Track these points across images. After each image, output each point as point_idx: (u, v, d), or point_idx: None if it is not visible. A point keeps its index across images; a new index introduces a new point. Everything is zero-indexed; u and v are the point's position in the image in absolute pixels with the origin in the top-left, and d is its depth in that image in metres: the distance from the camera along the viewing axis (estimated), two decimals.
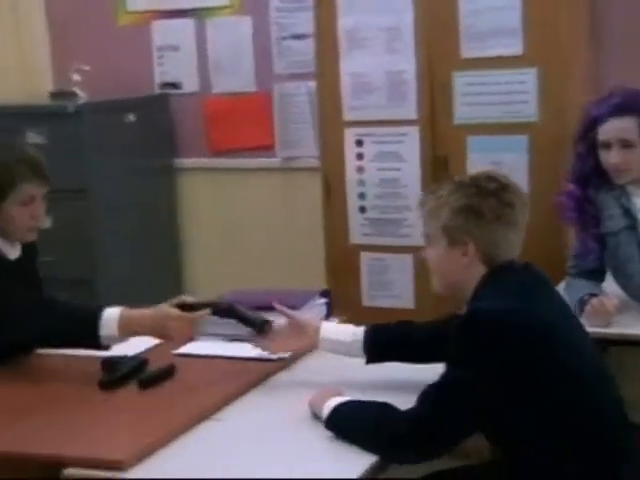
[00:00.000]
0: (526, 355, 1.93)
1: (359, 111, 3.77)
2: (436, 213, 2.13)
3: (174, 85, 4.55)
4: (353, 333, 2.36)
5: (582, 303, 2.79)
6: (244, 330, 2.56)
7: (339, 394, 2.14)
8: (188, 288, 4.68)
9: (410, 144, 3.70)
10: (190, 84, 4.52)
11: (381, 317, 2.79)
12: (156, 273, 4.44)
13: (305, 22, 4.19)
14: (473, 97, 3.56)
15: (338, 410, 2.05)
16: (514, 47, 3.47)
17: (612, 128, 2.80)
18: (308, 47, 4.21)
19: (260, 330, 2.43)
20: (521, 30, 3.45)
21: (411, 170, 3.72)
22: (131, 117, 4.22)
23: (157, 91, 4.55)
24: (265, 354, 2.52)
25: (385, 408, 2.02)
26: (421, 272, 3.79)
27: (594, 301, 2.72)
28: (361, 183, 3.84)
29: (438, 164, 3.66)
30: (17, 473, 1.95)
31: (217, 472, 1.88)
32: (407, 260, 3.79)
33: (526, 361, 1.93)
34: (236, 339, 2.63)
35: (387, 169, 3.78)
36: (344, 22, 3.72)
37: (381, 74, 3.70)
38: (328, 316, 2.82)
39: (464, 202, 2.08)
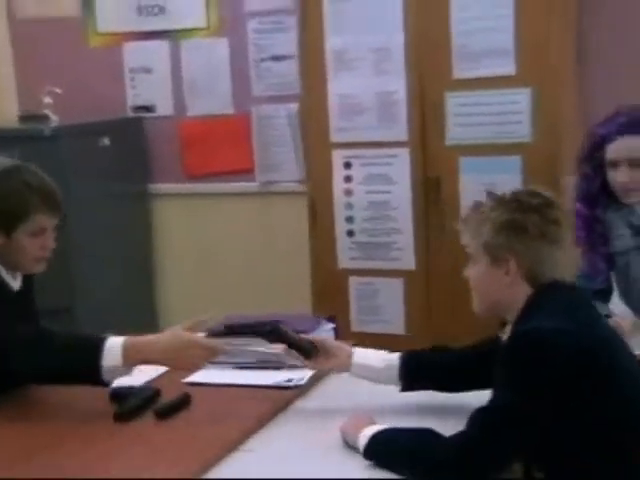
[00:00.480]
0: (576, 375, 1.88)
1: (347, 133, 3.73)
2: (478, 230, 2.06)
3: (147, 108, 4.46)
4: (386, 359, 2.28)
5: None
6: (263, 355, 2.50)
7: (372, 422, 2.07)
8: (163, 316, 4.59)
9: (400, 166, 3.67)
10: (164, 107, 4.44)
11: (371, 343, 2.75)
12: (131, 300, 4.33)
13: (285, 43, 4.17)
14: (465, 117, 3.56)
15: (377, 438, 1.97)
16: (507, 67, 3.47)
17: (620, 147, 2.79)
18: (288, 69, 4.19)
19: (309, 356, 2.32)
20: (513, 50, 3.45)
21: (401, 192, 3.69)
22: (105, 141, 4.11)
23: (130, 114, 4.46)
24: (280, 381, 2.45)
25: (427, 434, 1.95)
26: (411, 297, 3.77)
27: (610, 322, 2.70)
28: (349, 206, 3.79)
29: (430, 186, 3.64)
30: None
31: None
32: (397, 284, 3.75)
33: (576, 381, 1.88)
34: (249, 366, 2.57)
35: (376, 192, 3.74)
36: (332, 43, 3.69)
37: (370, 95, 3.67)
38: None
39: (506, 217, 2.02)
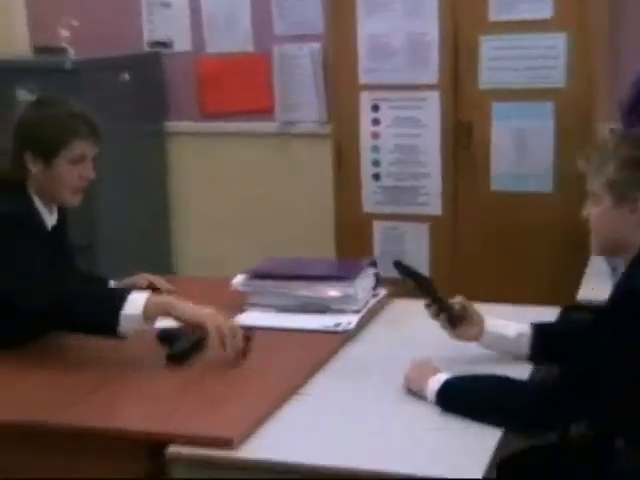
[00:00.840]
0: None
1: (376, 74, 3.67)
2: (601, 168, 1.99)
3: (164, 44, 4.37)
4: (517, 328, 2.23)
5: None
6: (306, 299, 2.49)
7: (437, 370, 2.05)
8: (177, 255, 4.55)
9: (430, 109, 3.62)
10: (182, 43, 4.34)
11: (394, 289, 2.75)
12: (147, 238, 4.29)
13: None
14: (499, 62, 3.50)
15: (450, 385, 1.97)
16: (543, 11, 3.41)
17: None
18: (312, 8, 4.11)
19: (456, 323, 2.24)
20: None
21: (431, 137, 3.64)
22: (125, 76, 4.03)
23: (145, 50, 4.37)
24: (329, 325, 2.43)
25: (505, 381, 1.95)
26: (437, 242, 3.76)
27: None
28: (376, 149, 3.74)
29: (460, 130, 3.59)
30: (113, 451, 1.83)
31: (331, 447, 1.80)
32: (423, 229, 3.73)
33: None
34: (292, 310, 2.55)
35: (405, 135, 3.69)
36: None
37: (401, 36, 3.60)
38: (376, 287, 2.74)
39: (634, 154, 1.97)
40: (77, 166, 2.48)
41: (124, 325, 2.18)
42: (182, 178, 4.46)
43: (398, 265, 2.29)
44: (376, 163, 3.75)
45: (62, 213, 2.63)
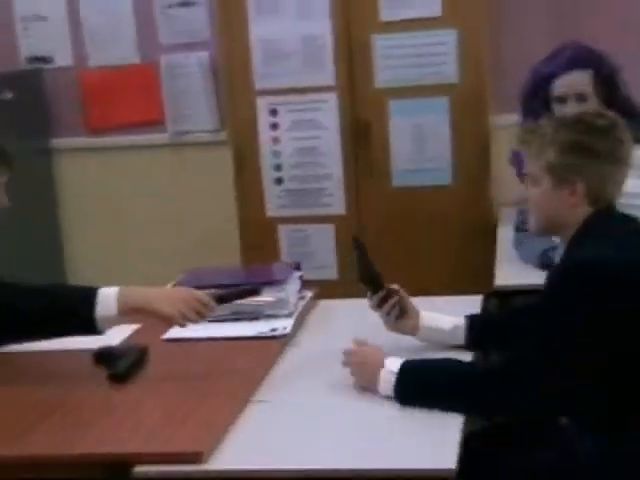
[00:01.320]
0: (630, 307, 1.90)
1: (272, 79, 3.68)
2: (541, 152, 2.04)
3: (44, 59, 4.24)
4: (453, 321, 2.28)
5: (544, 256, 2.87)
6: (237, 307, 2.47)
7: (383, 355, 2.05)
8: (71, 278, 4.42)
9: (328, 111, 3.65)
10: (63, 57, 4.23)
11: (317, 291, 2.77)
12: (39, 262, 4.13)
13: None
14: (393, 60, 3.57)
15: (407, 373, 1.97)
16: (433, 8, 3.51)
17: (567, 82, 2.90)
18: (198, 15, 4.08)
19: (377, 289, 2.29)
20: None
21: (330, 138, 3.68)
22: (8, 94, 3.89)
23: (25, 65, 4.23)
24: (266, 331, 2.42)
25: (461, 364, 1.99)
26: (343, 241, 3.79)
27: None
28: (276, 154, 3.75)
29: (359, 130, 3.64)
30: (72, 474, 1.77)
31: (300, 451, 1.79)
32: (329, 230, 3.76)
33: (627, 313, 1.90)
34: (223, 319, 2.52)
35: (304, 138, 3.71)
36: None
37: (294, 39, 3.62)
38: (301, 290, 2.74)
39: (573, 139, 2.02)
40: None
41: (100, 325, 2.13)
42: (72, 195, 4.34)
43: (357, 242, 2.32)
44: (277, 167, 3.76)
45: None
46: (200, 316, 2.19)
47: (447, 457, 1.73)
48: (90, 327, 2.15)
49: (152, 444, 1.80)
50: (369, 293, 2.31)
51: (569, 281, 1.93)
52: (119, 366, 2.18)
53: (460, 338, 2.29)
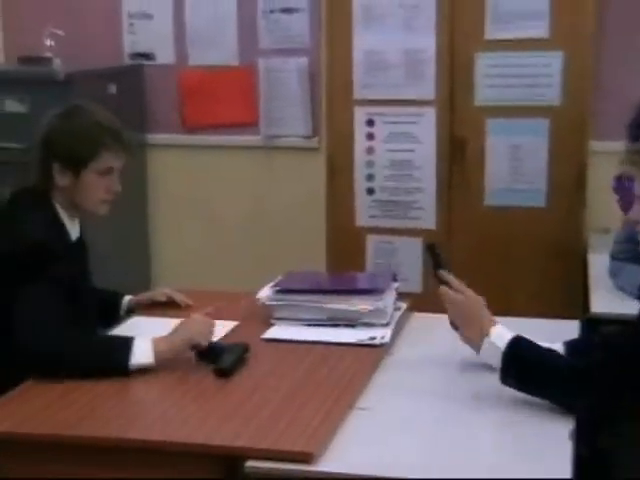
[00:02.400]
0: None
1: (371, 89, 3.72)
2: None
3: (147, 56, 4.33)
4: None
5: None
6: (335, 313, 2.51)
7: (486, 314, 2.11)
8: (156, 268, 4.49)
9: (426, 125, 3.68)
10: (165, 55, 4.30)
11: (412, 302, 2.78)
12: (126, 250, 4.21)
13: None
14: (495, 79, 3.59)
15: (512, 358, 2.01)
16: (540, 30, 3.52)
17: None
18: (298, 22, 4.13)
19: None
20: (548, 13, 3.50)
21: (426, 152, 3.70)
22: (113, 88, 3.98)
23: (128, 61, 4.32)
24: (364, 339, 2.44)
25: (566, 361, 2.04)
26: None
27: None
28: (370, 164, 3.79)
29: (455, 146, 3.66)
30: (192, 465, 1.82)
31: (405, 460, 1.80)
32: (416, 243, 3.77)
33: None
34: (319, 324, 2.55)
35: (399, 150, 3.74)
36: None
37: (398, 52, 3.66)
38: (396, 301, 2.75)
39: None
40: (104, 178, 2.47)
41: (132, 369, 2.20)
42: (162, 190, 4.41)
43: (431, 249, 2.33)
44: (370, 178, 3.79)
45: (81, 225, 2.61)
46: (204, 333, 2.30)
47: (558, 467, 1.74)
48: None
49: (264, 440, 1.83)
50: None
51: None
52: (224, 361, 2.22)
53: None
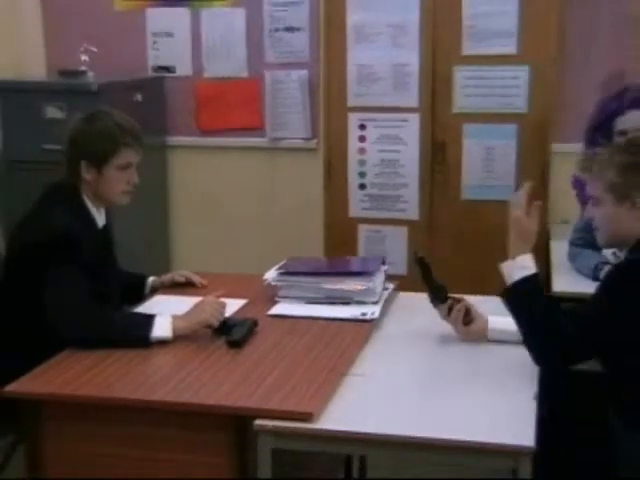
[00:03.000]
0: None
1: (363, 98, 3.71)
2: (601, 174, 2.08)
3: (167, 69, 4.32)
4: None
5: (597, 269, 2.86)
6: (332, 292, 2.52)
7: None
8: (176, 257, 4.50)
9: (411, 129, 3.68)
10: (183, 68, 4.29)
11: (398, 283, 2.79)
12: (150, 241, 4.22)
13: (297, 16, 4.09)
14: (471, 89, 3.59)
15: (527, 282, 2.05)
16: (510, 47, 3.52)
17: (629, 119, 2.89)
18: (299, 39, 4.12)
19: (442, 299, 2.33)
20: (517, 33, 3.50)
21: (410, 152, 3.70)
22: (138, 97, 3.98)
23: (151, 73, 4.32)
24: (357, 314, 2.46)
25: (554, 308, 2.04)
26: (414, 243, 3.81)
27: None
28: (362, 163, 3.79)
29: (436, 148, 3.67)
30: (206, 424, 1.84)
31: (395, 418, 1.83)
32: (402, 232, 3.79)
33: None
34: (319, 302, 2.57)
35: (388, 151, 3.74)
36: (352, 18, 3.65)
37: (386, 66, 3.65)
38: (385, 282, 2.76)
39: (630, 160, 2.05)
40: (124, 172, 2.50)
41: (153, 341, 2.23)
42: (181, 186, 4.41)
43: (421, 261, 2.33)
44: (362, 175, 3.79)
45: (108, 214, 2.63)
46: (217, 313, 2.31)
47: (526, 435, 1.76)
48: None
49: (270, 402, 1.86)
50: (437, 304, 2.33)
51: (620, 275, 1.97)
52: (236, 334, 2.24)
53: None
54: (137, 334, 2.22)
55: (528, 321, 2.04)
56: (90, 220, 2.50)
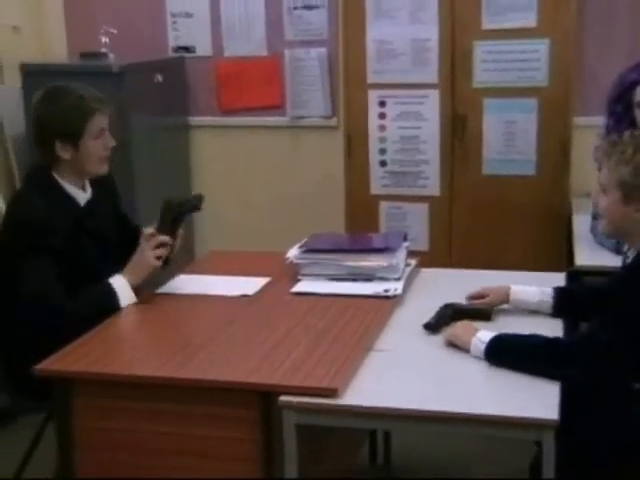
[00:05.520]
0: None
1: (383, 75, 3.68)
2: (617, 167, 2.02)
3: (187, 49, 4.31)
4: (538, 294, 2.29)
5: (619, 243, 2.82)
6: (354, 269, 2.52)
7: (477, 329, 2.07)
8: (198, 235, 4.51)
9: (431, 105, 3.64)
10: (203, 48, 4.27)
11: (420, 259, 2.78)
12: None
13: None
14: (491, 64, 3.54)
15: (499, 339, 2.00)
16: (529, 20, 3.46)
17: None
18: (318, 17, 4.09)
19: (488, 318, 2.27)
20: (536, 5, 3.44)
21: (430, 128, 3.67)
22: (159, 77, 3.97)
23: (172, 54, 4.30)
24: (380, 291, 2.45)
25: (544, 337, 1.99)
26: (435, 219, 3.79)
27: None
28: (382, 140, 3.76)
29: (456, 123, 3.62)
30: (233, 399, 1.85)
31: (419, 393, 1.82)
32: (424, 208, 3.76)
33: None
34: (341, 278, 2.56)
35: (408, 127, 3.71)
36: None
37: (405, 41, 3.61)
38: (407, 258, 2.75)
39: None
40: (99, 139, 2.48)
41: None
42: (203, 164, 4.41)
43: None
44: (382, 152, 3.77)
45: (104, 187, 2.60)
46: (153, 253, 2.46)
47: (550, 408, 1.75)
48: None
49: (295, 378, 1.86)
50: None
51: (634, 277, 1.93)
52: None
53: (546, 308, 2.29)
54: (108, 310, 2.33)
55: (536, 358, 1.94)
56: (69, 200, 2.46)
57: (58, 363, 2.02)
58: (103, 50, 3.97)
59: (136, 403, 1.95)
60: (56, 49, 4.37)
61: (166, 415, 1.92)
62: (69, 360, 2.03)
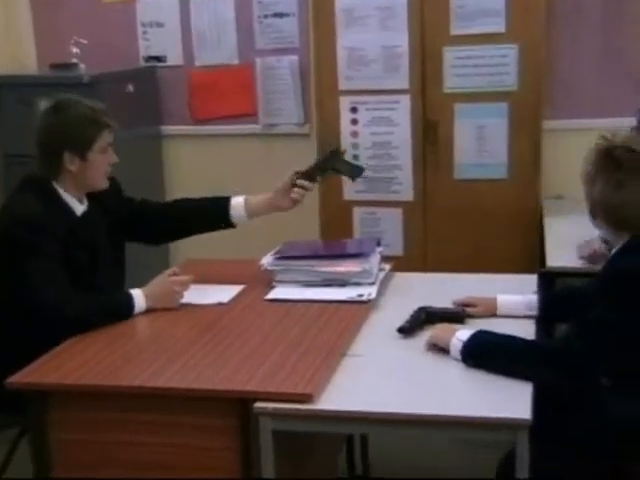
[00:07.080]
0: None
1: (354, 81, 3.69)
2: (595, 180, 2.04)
3: (158, 59, 4.31)
4: (526, 304, 2.32)
5: None
6: (327, 275, 2.54)
7: (457, 329, 2.10)
8: (173, 248, 4.49)
9: (402, 110, 3.67)
10: (174, 57, 4.28)
11: (394, 264, 2.79)
12: None
13: (286, 1, 4.09)
14: (460, 69, 3.57)
15: (474, 340, 2.02)
16: (498, 26, 3.49)
17: None
18: (289, 25, 4.11)
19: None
20: (504, 11, 3.48)
21: (402, 134, 3.69)
22: (131, 87, 3.97)
23: (143, 64, 4.30)
24: (353, 296, 2.46)
25: (521, 339, 2.01)
26: (409, 224, 3.81)
27: None
28: (355, 146, 3.78)
29: (428, 128, 3.65)
30: (208, 408, 1.85)
31: (394, 397, 1.83)
32: (397, 213, 3.78)
33: None
34: (315, 284, 2.57)
35: (380, 133, 3.73)
36: (341, 2, 3.62)
37: (376, 48, 3.63)
38: (380, 263, 2.76)
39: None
40: (105, 154, 2.49)
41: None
42: (176, 174, 4.41)
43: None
44: (355, 157, 3.77)
45: (99, 203, 2.59)
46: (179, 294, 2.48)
47: (523, 408, 1.77)
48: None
49: (270, 384, 1.87)
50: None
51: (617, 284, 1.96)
52: None
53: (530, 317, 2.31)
54: (122, 317, 2.35)
55: (511, 360, 1.96)
56: (66, 208, 2.46)
57: (32, 375, 2.01)
58: (74, 60, 3.97)
59: (112, 414, 1.94)
60: (26, 60, 4.36)
61: (143, 425, 1.92)
62: (43, 372, 2.02)
